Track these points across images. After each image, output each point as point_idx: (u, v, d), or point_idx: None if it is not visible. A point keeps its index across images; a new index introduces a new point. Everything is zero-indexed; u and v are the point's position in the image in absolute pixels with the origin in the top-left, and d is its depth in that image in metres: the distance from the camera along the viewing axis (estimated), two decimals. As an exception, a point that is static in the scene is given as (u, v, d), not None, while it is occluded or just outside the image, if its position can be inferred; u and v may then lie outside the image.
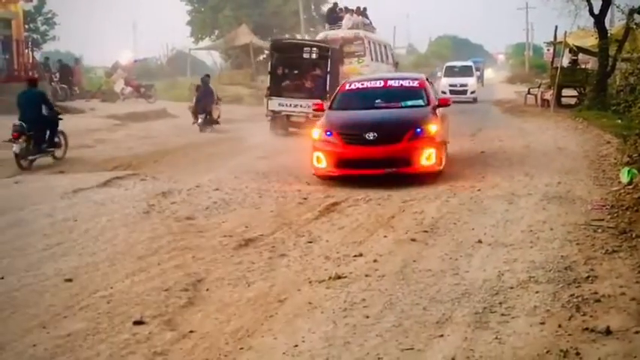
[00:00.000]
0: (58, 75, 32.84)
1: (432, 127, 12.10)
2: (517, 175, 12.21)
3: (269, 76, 22.32)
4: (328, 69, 21.43)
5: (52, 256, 7.75)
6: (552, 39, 30.10)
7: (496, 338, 5.13)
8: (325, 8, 56.74)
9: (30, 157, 15.21)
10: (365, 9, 29.57)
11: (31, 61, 32.57)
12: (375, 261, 7.26)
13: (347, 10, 29.19)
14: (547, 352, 4.86)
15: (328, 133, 12.09)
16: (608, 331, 5.12)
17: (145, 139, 20.17)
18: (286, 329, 5.50)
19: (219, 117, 23.75)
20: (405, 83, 13.78)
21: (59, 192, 11.56)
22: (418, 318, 5.61)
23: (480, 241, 7.85)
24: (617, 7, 23.50)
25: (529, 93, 31.57)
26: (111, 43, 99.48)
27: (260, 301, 6.20)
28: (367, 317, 5.67)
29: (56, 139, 16.12)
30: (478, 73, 44.15)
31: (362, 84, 14.05)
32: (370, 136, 11.76)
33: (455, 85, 35.30)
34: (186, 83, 42.20)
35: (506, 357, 4.82)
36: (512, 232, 8.27)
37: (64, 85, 32.12)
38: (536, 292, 6.09)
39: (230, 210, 10.07)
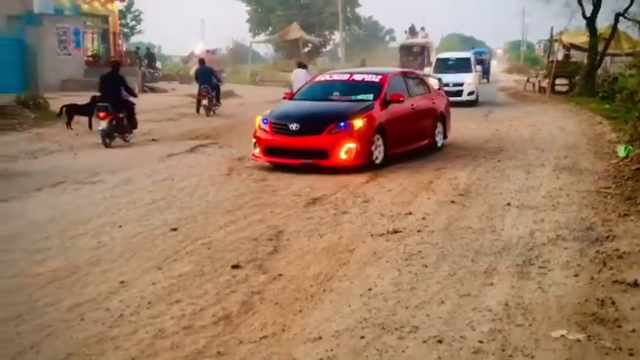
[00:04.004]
0: (145, 61, 32.71)
1: (358, 122, 9.96)
2: (529, 149, 11.83)
3: (400, 61, 32.59)
4: (425, 54, 34.43)
5: (158, 209, 7.59)
6: (547, 37, 29.43)
7: (539, 287, 4.85)
8: (359, 10, 57.54)
9: (208, 106, 19.29)
10: (424, 28, 43.62)
11: (124, 49, 32.56)
12: (423, 219, 6.98)
13: (416, 28, 42.79)
14: (586, 300, 4.57)
15: (264, 121, 10.51)
16: (636, 284, 4.82)
17: (218, 114, 19.84)
18: (359, 275, 5.27)
19: None
20: (368, 78, 11.37)
21: (156, 156, 11.45)
22: (468, 268, 5.34)
23: (509, 204, 7.54)
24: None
25: (528, 81, 30.80)
26: (184, 36, 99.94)
27: (332, 250, 5.97)
28: (425, 266, 5.42)
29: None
30: (479, 67, 26.85)
31: (330, 76, 12.12)
32: (293, 126, 10.06)
33: (446, 85, 17.68)
34: (247, 69, 42.06)
35: (552, 304, 4.53)
36: (535, 196, 7.95)
37: (150, 70, 32.03)
38: (566, 249, 5.80)
39: (295, 174, 9.84)
